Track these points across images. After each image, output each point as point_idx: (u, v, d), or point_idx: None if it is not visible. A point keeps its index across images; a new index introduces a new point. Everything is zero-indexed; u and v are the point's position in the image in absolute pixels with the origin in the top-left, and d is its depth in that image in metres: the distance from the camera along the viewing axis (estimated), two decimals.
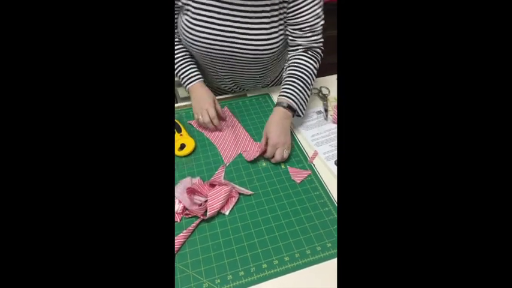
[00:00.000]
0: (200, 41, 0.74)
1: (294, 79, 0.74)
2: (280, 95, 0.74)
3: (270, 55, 0.77)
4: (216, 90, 0.98)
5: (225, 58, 0.78)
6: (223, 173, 0.67)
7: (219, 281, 0.49)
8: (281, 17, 0.74)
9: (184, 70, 0.80)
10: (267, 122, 0.72)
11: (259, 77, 0.88)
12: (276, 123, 0.70)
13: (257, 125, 0.79)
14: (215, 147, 0.74)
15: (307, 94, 0.75)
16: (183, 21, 0.75)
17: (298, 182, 0.64)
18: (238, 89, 0.94)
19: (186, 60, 0.80)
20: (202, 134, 0.77)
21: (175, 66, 0.80)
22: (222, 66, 0.81)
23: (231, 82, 0.89)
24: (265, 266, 0.51)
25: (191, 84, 0.80)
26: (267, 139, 0.68)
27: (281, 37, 0.76)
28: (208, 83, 0.93)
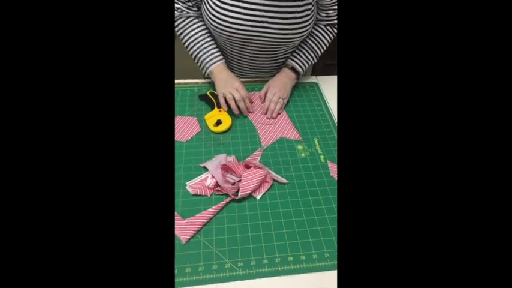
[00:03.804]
0: (227, 24, 0.69)
1: (304, 46, 0.80)
2: (289, 58, 0.81)
3: (300, 38, 0.74)
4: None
5: (253, 42, 0.73)
6: (260, 156, 0.64)
7: (241, 264, 0.48)
8: None
9: (206, 50, 0.75)
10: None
11: (281, 60, 0.83)
12: (279, 79, 0.78)
13: (300, 113, 0.76)
14: (254, 128, 0.71)
15: (312, 61, 0.81)
16: (208, 3, 0.70)
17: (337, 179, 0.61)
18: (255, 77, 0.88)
19: (207, 40, 0.75)
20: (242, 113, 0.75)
21: (193, 45, 0.75)
22: (247, 50, 0.77)
23: (249, 68, 0.84)
24: (291, 258, 0.49)
25: (216, 65, 0.75)
26: (267, 88, 0.76)
27: (312, 18, 0.72)
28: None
